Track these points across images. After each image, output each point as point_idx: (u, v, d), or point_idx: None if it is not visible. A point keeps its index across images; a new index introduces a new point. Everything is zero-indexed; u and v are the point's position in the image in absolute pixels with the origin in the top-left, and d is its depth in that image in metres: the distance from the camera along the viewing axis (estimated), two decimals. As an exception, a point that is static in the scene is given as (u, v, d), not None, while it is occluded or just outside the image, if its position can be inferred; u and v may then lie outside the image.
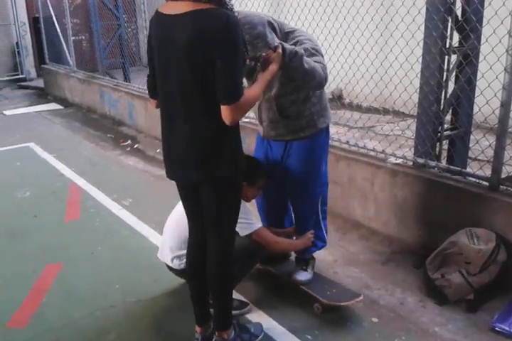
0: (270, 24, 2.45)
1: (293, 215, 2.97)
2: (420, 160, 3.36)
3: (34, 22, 10.78)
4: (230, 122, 2.03)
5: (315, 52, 2.48)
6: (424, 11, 3.29)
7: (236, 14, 2.05)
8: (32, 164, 5.54)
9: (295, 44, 2.49)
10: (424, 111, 3.36)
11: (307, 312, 2.76)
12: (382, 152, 3.62)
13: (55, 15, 8.84)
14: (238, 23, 2.01)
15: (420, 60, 3.37)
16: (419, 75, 3.40)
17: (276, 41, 2.39)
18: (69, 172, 5.18)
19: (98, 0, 7.63)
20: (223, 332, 2.42)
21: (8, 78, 10.83)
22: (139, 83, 6.61)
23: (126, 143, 6.35)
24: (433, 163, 3.33)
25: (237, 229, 2.40)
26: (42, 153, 5.82)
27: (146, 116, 6.48)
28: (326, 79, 2.48)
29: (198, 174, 2.17)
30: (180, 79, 2.05)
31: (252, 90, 2.12)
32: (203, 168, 2.15)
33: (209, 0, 1.97)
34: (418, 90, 3.42)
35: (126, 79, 7.55)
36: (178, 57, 2.02)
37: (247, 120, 4.63)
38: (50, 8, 8.92)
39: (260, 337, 2.55)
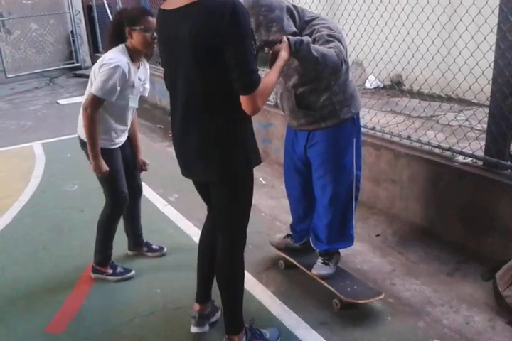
0: (289, 10, 2.39)
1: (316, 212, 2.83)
2: (492, 160, 3.01)
3: (88, 10, 10.84)
4: (252, 112, 1.95)
5: (330, 38, 2.36)
6: (500, -9, 2.91)
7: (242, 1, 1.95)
8: (82, 156, 5.36)
9: (311, 32, 2.42)
10: (498, 105, 2.99)
11: (326, 307, 2.68)
12: (449, 149, 3.27)
13: (108, 4, 8.80)
14: (244, 10, 1.89)
15: (494, 48, 3.00)
16: (488, 57, 3.04)
17: (292, 29, 2.35)
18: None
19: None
20: (234, 336, 2.30)
21: (63, 66, 10.97)
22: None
23: (175, 134, 6.21)
24: (507, 164, 2.96)
25: None
26: (92, 145, 5.77)
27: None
28: (342, 63, 2.31)
29: (209, 173, 2.10)
30: (186, 74, 1.98)
31: (268, 76, 2.02)
32: (214, 167, 2.07)
33: None
34: (491, 81, 3.05)
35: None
36: (182, 50, 1.94)
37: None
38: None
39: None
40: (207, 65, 1.92)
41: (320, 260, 2.82)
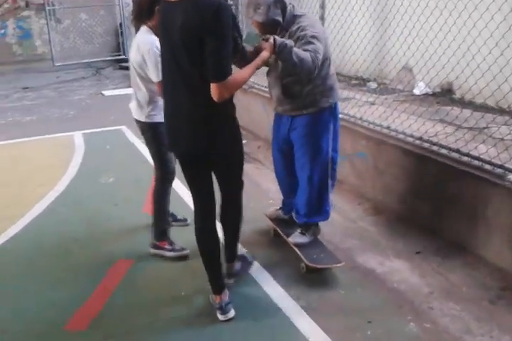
0: (281, 1, 2.74)
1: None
2: (549, 182, 2.80)
3: (138, 3, 10.87)
4: (217, 99, 2.24)
5: (312, 40, 2.64)
6: None
7: (231, 2, 2.28)
8: (120, 148, 5.49)
9: (297, 29, 2.72)
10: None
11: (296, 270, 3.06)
12: (501, 167, 3.06)
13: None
14: (228, 9, 2.24)
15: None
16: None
17: (276, 17, 2.73)
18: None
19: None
20: (234, 262, 2.90)
21: (110, 58, 11.07)
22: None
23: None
24: None
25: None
26: (131, 137, 5.75)
27: (236, 104, 6.22)
28: (316, 67, 2.62)
29: (202, 145, 2.42)
30: (179, 58, 2.29)
31: (241, 72, 2.34)
32: (204, 137, 2.39)
33: None
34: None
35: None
36: (175, 39, 2.27)
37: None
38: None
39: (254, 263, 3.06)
40: (192, 52, 2.24)
41: (298, 230, 3.19)
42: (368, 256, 3.21)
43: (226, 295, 2.66)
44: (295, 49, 2.53)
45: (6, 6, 10.68)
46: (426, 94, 6.29)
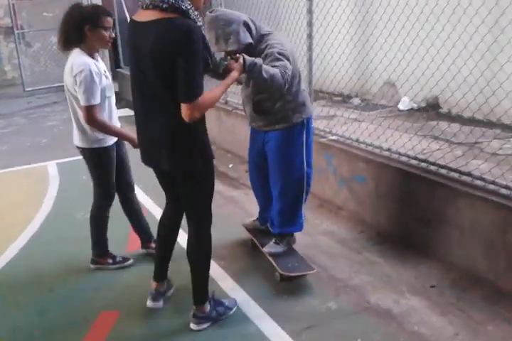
0: (246, 24, 2.76)
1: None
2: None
3: (110, 24, 10.64)
4: (187, 119, 2.26)
5: (280, 56, 2.69)
6: None
7: (200, 23, 2.26)
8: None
9: (265, 47, 2.77)
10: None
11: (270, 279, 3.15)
12: (493, 183, 2.90)
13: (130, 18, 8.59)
14: (197, 31, 2.22)
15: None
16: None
17: (248, 40, 2.74)
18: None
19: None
20: (201, 306, 2.71)
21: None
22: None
23: (195, 155, 5.92)
24: None
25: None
26: (108, 165, 5.48)
27: (220, 127, 6.03)
28: (286, 82, 2.65)
29: (169, 164, 2.43)
30: (148, 79, 2.32)
31: (211, 93, 2.35)
32: (173, 157, 2.41)
33: (174, 10, 2.21)
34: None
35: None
36: (144, 59, 2.28)
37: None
38: (126, 11, 8.69)
39: (234, 309, 2.84)
40: (161, 73, 2.25)
41: (273, 240, 3.27)
42: (381, 294, 2.98)
43: (164, 286, 2.93)
44: (264, 66, 2.56)
45: (-28, 30, 10.38)
46: (411, 109, 6.17)
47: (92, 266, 3.37)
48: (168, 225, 2.84)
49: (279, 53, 2.69)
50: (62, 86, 3.05)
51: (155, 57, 2.24)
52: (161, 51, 2.21)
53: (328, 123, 4.57)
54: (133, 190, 3.45)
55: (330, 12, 4.78)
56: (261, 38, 2.82)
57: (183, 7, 2.22)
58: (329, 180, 4.23)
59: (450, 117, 5.01)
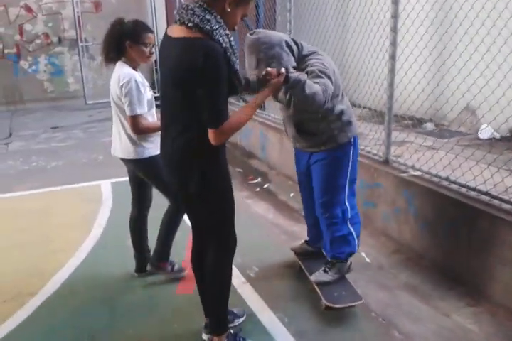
0: (288, 45, 2.60)
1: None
2: None
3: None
4: (215, 143, 2.20)
5: (321, 74, 2.56)
6: None
7: (226, 45, 2.11)
8: (154, 200, 4.87)
9: (306, 66, 2.64)
10: None
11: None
12: None
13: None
14: (218, 55, 2.07)
15: None
16: None
17: (292, 64, 2.57)
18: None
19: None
20: (215, 337, 2.56)
21: (145, 96, 10.71)
22: (274, 112, 5.77)
23: (255, 181, 5.55)
24: None
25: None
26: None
27: (281, 151, 5.63)
28: (326, 100, 2.54)
29: (187, 185, 2.33)
30: (169, 96, 2.27)
31: (238, 115, 2.25)
32: (188, 179, 2.31)
33: (199, 29, 2.08)
34: None
35: (261, 106, 6.77)
36: (167, 76, 2.26)
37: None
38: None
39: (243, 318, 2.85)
40: (181, 94, 2.18)
41: (322, 267, 3.10)
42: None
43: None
44: (308, 82, 2.46)
45: (37, 41, 10.49)
46: (493, 139, 5.63)
47: (148, 268, 3.38)
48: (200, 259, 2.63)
49: (320, 71, 2.59)
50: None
51: (175, 77, 2.18)
52: (180, 72, 2.14)
53: (396, 149, 4.06)
54: (149, 206, 3.44)
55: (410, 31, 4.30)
56: (302, 58, 2.69)
57: (208, 27, 2.08)
58: (409, 222, 3.71)
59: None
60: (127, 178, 3.42)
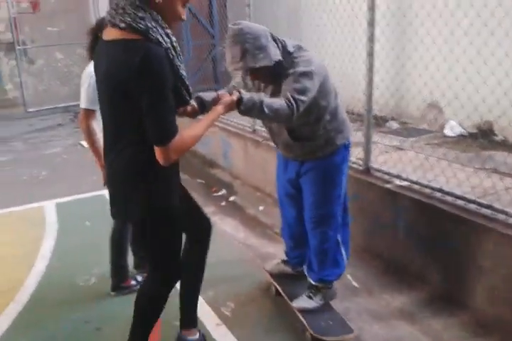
0: (273, 38, 2.44)
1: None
2: None
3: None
4: (163, 163, 1.94)
5: (300, 78, 2.36)
6: None
7: (167, 45, 1.87)
8: (104, 225, 4.23)
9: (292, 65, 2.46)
10: None
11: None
12: None
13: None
14: (159, 58, 1.82)
15: None
16: None
17: (278, 57, 2.39)
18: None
19: (191, 15, 6.45)
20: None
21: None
22: (237, 117, 5.28)
23: (220, 194, 5.06)
24: None
25: None
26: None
27: (245, 158, 5.16)
28: (293, 111, 2.29)
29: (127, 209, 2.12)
30: (106, 106, 2.02)
31: (192, 130, 2.00)
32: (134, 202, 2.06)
33: (133, 30, 1.84)
34: None
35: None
36: (101, 84, 2.00)
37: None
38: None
39: None
40: (117, 105, 1.93)
41: (306, 293, 2.84)
42: None
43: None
44: (266, 101, 2.24)
45: (-30, 46, 9.63)
46: (460, 136, 5.37)
47: (112, 293, 3.17)
48: None
49: (301, 74, 2.38)
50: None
51: (108, 82, 1.91)
52: (114, 81, 1.87)
53: (362, 151, 3.66)
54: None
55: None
56: (288, 55, 2.45)
57: (142, 26, 1.83)
58: (398, 238, 3.31)
59: (507, 145, 4.26)
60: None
